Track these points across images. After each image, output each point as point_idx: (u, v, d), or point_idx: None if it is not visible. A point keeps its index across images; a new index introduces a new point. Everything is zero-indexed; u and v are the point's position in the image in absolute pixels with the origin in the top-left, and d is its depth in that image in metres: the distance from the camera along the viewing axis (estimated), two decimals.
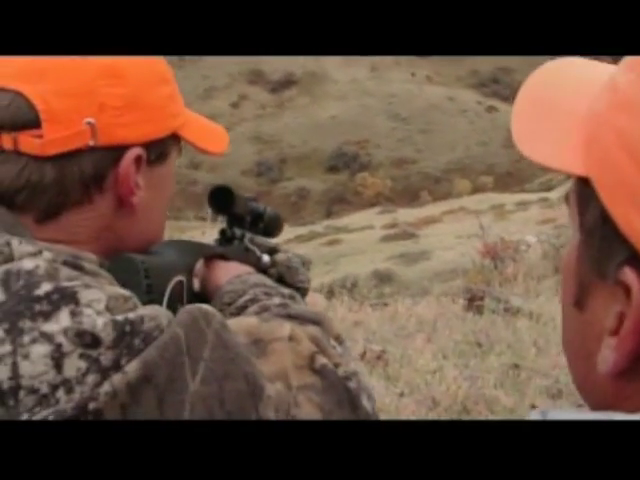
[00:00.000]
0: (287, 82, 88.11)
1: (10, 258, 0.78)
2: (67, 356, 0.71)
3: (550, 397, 3.53)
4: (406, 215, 41.29)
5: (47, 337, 0.71)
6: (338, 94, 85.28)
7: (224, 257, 1.20)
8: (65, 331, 0.71)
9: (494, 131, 79.08)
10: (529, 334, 4.51)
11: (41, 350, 0.70)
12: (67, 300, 0.74)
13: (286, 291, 1.09)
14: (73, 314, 0.73)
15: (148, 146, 0.97)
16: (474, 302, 5.06)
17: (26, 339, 0.71)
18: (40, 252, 0.80)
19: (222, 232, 1.31)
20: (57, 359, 0.71)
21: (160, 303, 0.93)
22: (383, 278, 19.56)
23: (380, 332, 4.50)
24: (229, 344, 0.81)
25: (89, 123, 0.90)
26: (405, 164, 74.49)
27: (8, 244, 0.79)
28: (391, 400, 3.18)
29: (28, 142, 0.88)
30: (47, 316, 0.72)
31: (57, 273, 0.77)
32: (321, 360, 0.90)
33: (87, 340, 0.72)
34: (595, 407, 0.61)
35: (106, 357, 0.72)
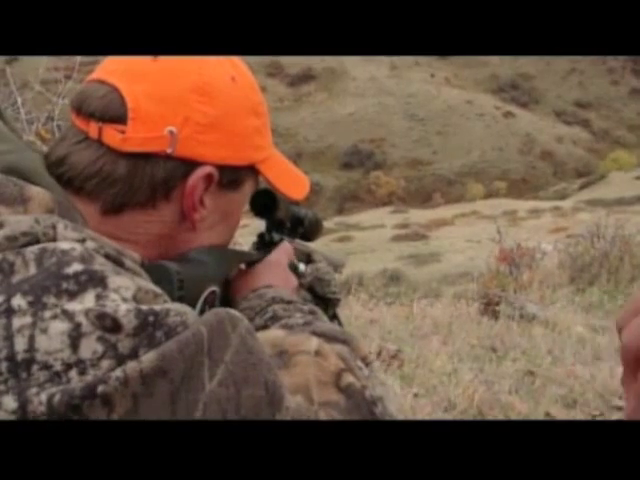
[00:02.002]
0: (306, 77, 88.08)
1: (52, 240, 0.77)
2: (85, 337, 0.69)
3: (564, 406, 3.52)
4: (418, 216, 41.28)
5: (68, 315, 0.70)
6: (356, 91, 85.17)
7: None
8: (87, 312, 0.70)
9: (510, 137, 78.85)
10: (544, 342, 4.49)
11: (60, 327, 0.69)
12: (95, 283, 0.73)
13: (306, 307, 1.06)
14: (98, 297, 0.72)
15: (223, 169, 0.98)
16: (490, 307, 5.05)
17: (47, 314, 0.70)
18: (84, 240, 0.79)
19: (260, 236, 1.29)
20: (74, 338, 0.69)
21: None
22: (392, 278, 19.56)
23: (395, 332, 4.50)
24: (253, 350, 0.78)
25: (171, 132, 0.92)
26: (419, 165, 74.35)
27: (54, 227, 0.79)
28: (407, 400, 3.18)
29: (111, 134, 0.91)
30: (72, 295, 0.71)
31: (92, 258, 0.75)
32: (348, 379, 0.87)
33: (107, 324, 0.70)
34: None
35: (124, 344, 0.70)
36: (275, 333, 0.92)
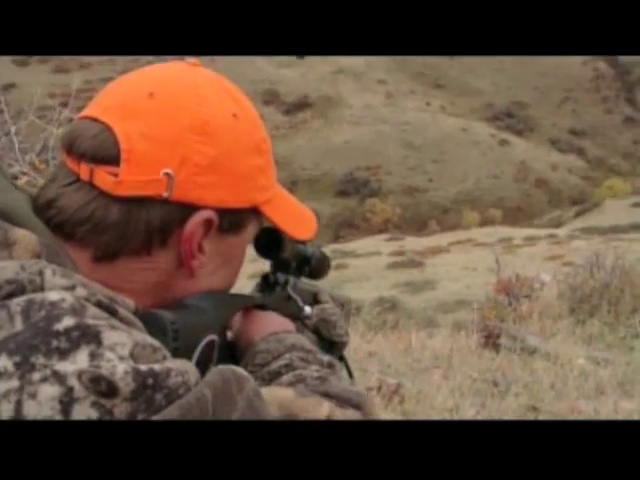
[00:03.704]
0: (301, 104, 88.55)
1: (39, 288, 0.72)
2: (77, 402, 0.64)
3: None
4: (413, 243, 41.34)
5: (59, 377, 0.64)
6: (352, 119, 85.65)
7: (263, 307, 1.12)
8: (80, 374, 0.64)
9: (506, 164, 79.25)
10: (546, 375, 4.42)
11: (50, 391, 0.63)
12: (88, 339, 0.66)
13: (325, 358, 1.01)
14: (92, 356, 0.66)
15: (223, 212, 0.91)
16: (490, 339, 4.99)
17: (36, 377, 0.64)
18: (74, 287, 0.73)
19: (264, 278, 1.24)
20: (66, 404, 0.63)
21: None
22: (387, 305, 19.52)
23: (395, 365, 4.43)
24: (260, 414, 0.74)
25: (167, 174, 0.86)
26: (415, 192, 74.63)
27: (41, 273, 0.73)
28: None
29: (103, 177, 0.85)
30: (63, 354, 0.65)
31: (84, 310, 0.69)
32: None
33: (102, 387, 0.64)
34: None
35: (120, 410, 0.65)
36: (284, 393, 0.85)
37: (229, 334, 1.08)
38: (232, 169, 0.90)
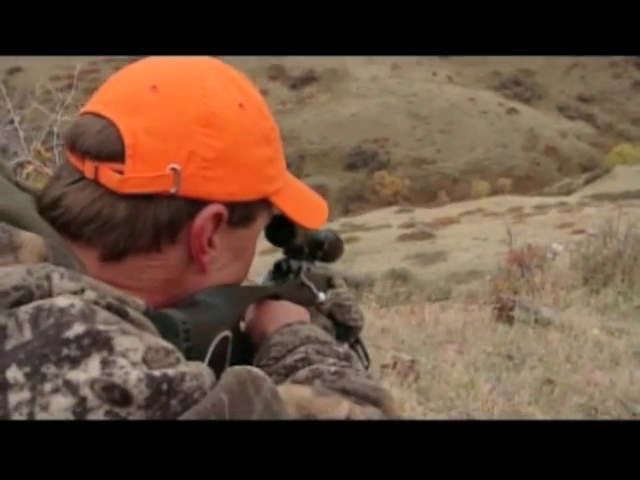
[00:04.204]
0: (307, 78, 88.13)
1: (47, 294, 0.70)
2: (91, 412, 0.62)
3: (586, 415, 3.43)
4: (423, 215, 41.26)
5: (71, 387, 0.62)
6: (358, 92, 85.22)
7: (277, 297, 1.11)
8: (92, 383, 0.63)
9: (514, 133, 78.81)
10: (561, 347, 4.41)
11: (62, 402, 0.62)
12: (99, 346, 0.65)
13: (341, 350, 0.99)
14: (104, 363, 0.64)
15: (233, 205, 0.89)
16: (504, 312, 4.97)
17: (47, 387, 0.62)
18: (83, 290, 0.71)
19: (277, 266, 1.23)
20: (79, 414, 0.62)
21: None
22: (399, 278, 19.55)
23: (409, 340, 4.42)
24: (278, 417, 0.73)
25: (174, 169, 0.84)
26: (424, 164, 74.34)
27: (48, 278, 0.71)
28: (425, 415, 3.10)
29: (108, 175, 0.83)
30: (75, 362, 0.64)
31: (94, 315, 0.68)
32: None
33: (116, 396, 0.63)
34: None
35: (135, 417, 0.64)
36: (302, 392, 0.83)
37: (242, 325, 1.07)
38: (240, 161, 0.88)
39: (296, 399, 0.81)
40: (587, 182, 54.08)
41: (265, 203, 0.95)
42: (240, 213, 0.91)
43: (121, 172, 0.83)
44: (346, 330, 1.27)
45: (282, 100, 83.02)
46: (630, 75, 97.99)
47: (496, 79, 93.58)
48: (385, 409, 0.86)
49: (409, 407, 3.11)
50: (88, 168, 0.84)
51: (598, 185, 49.12)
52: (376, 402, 0.86)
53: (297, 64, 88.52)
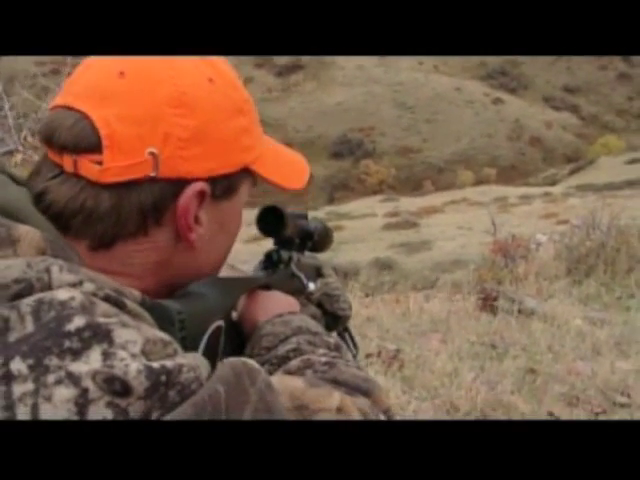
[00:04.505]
0: (294, 66, 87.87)
1: (47, 286, 0.71)
2: (93, 403, 0.64)
3: (567, 405, 3.48)
4: (408, 204, 41.35)
5: (73, 379, 0.64)
6: (344, 80, 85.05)
7: (267, 287, 1.13)
8: (94, 375, 0.64)
9: (499, 123, 78.96)
10: (544, 337, 4.45)
11: (65, 393, 0.63)
12: (100, 338, 0.66)
13: (331, 340, 1.01)
14: (105, 355, 0.66)
15: (214, 180, 0.90)
16: (488, 302, 5.01)
17: (50, 379, 0.64)
18: (81, 282, 0.72)
19: (268, 256, 1.24)
20: (81, 405, 0.63)
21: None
22: (384, 267, 19.59)
23: (394, 330, 4.45)
24: (273, 408, 0.74)
25: (152, 153, 0.84)
26: (409, 153, 74.39)
27: (47, 271, 0.72)
28: (409, 404, 3.13)
29: (87, 167, 0.84)
30: (76, 354, 0.65)
31: (93, 307, 0.69)
32: None
33: (117, 387, 0.65)
34: None
35: (135, 408, 0.65)
36: (295, 383, 0.84)
37: (234, 315, 1.08)
38: (216, 136, 0.89)
39: (289, 390, 0.82)
40: (572, 173, 54.31)
41: (246, 172, 0.95)
42: (222, 186, 0.92)
43: (100, 163, 0.83)
44: (334, 319, 1.29)
45: (268, 88, 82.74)
46: (615, 67, 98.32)
47: (482, 69, 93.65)
48: (375, 399, 0.88)
49: (393, 395, 3.14)
50: (67, 162, 0.84)
51: (582, 176, 49.37)
52: (366, 393, 0.88)
53: None
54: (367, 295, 5.99)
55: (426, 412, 3.06)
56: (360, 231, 31.35)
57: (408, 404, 3.11)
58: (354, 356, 1.39)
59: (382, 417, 0.87)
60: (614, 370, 3.91)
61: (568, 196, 36.33)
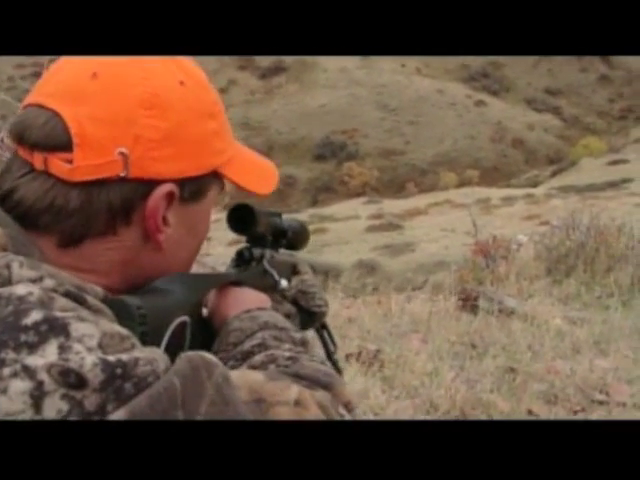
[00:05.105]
0: (276, 69, 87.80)
1: (7, 282, 0.72)
2: (48, 396, 0.65)
3: (546, 403, 3.50)
4: (392, 206, 41.39)
5: (29, 372, 0.65)
6: (327, 82, 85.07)
7: (239, 283, 1.13)
8: (49, 368, 0.65)
9: (482, 125, 79.21)
10: (523, 337, 4.47)
11: (20, 386, 0.64)
12: (56, 332, 0.67)
13: (297, 336, 1.01)
14: (61, 348, 0.67)
15: (183, 182, 0.91)
16: (468, 302, 5.03)
17: (6, 372, 0.65)
18: (41, 278, 0.73)
19: (239, 253, 1.24)
20: (37, 398, 0.64)
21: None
22: (367, 268, 19.61)
23: (375, 330, 4.46)
24: (229, 401, 0.74)
25: (122, 154, 0.85)
26: (392, 155, 74.47)
27: (8, 267, 0.73)
28: (389, 403, 3.14)
29: (57, 165, 0.85)
30: (32, 348, 0.66)
31: (52, 302, 0.70)
32: None
33: (72, 380, 0.65)
34: None
35: (90, 401, 0.66)
36: (255, 377, 0.85)
37: (205, 311, 1.09)
38: (186, 139, 0.90)
39: (249, 383, 0.82)
40: (554, 174, 54.56)
41: (215, 176, 0.96)
42: (191, 189, 0.93)
43: (70, 161, 0.84)
44: (310, 316, 1.29)
45: (251, 90, 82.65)
46: (596, 69, 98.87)
47: (464, 71, 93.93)
48: (335, 393, 0.88)
49: (373, 395, 3.15)
50: (37, 160, 0.85)
51: (564, 177, 49.61)
52: (326, 386, 0.88)
53: None
54: (349, 296, 6.00)
55: (406, 411, 3.07)
56: (343, 233, 31.36)
57: (388, 404, 3.12)
58: (332, 353, 1.39)
59: (342, 411, 0.87)
60: (593, 368, 3.94)
61: (550, 197, 36.50)
